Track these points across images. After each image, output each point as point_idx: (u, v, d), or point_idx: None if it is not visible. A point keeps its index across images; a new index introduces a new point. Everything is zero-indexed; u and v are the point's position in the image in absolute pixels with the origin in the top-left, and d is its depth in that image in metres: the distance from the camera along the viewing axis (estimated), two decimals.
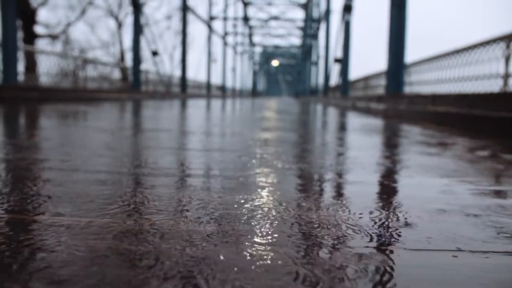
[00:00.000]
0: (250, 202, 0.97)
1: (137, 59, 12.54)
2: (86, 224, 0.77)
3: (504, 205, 1.01)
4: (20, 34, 15.10)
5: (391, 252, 0.68)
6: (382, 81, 7.54)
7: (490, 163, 1.73)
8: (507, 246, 0.73)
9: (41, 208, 0.87)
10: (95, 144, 2.03)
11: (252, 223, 0.81)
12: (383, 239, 0.74)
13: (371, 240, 0.73)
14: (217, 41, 29.49)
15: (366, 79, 10.03)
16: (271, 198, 1.02)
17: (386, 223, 0.84)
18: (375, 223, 0.84)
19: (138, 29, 12.47)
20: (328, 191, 1.15)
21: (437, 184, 1.25)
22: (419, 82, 6.09)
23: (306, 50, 28.92)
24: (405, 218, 0.87)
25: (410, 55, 6.29)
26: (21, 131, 2.79)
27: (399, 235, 0.76)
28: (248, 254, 0.65)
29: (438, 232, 0.79)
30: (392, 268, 0.61)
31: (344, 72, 11.52)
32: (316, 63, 22.22)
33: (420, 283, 0.57)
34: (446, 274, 0.61)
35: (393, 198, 1.08)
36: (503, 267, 0.64)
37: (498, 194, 1.16)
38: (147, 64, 15.36)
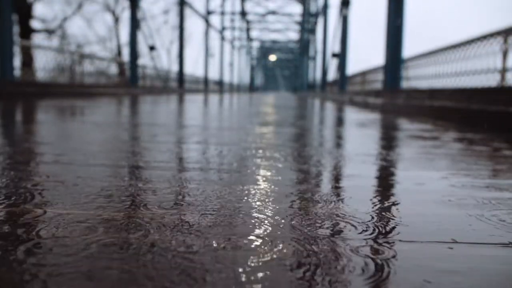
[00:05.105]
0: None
1: (134, 54, 12.49)
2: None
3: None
4: (16, 29, 15.01)
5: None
6: (380, 76, 7.54)
7: (484, 155, 1.74)
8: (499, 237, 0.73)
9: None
10: (92, 138, 2.02)
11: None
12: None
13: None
14: (214, 36, 29.38)
15: (364, 74, 10.02)
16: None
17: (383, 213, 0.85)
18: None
19: (135, 24, 12.41)
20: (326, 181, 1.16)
21: (433, 177, 1.26)
22: (417, 77, 6.09)
23: (304, 44, 28.85)
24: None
25: (407, 53, 6.28)
26: (18, 126, 2.78)
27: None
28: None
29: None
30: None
31: (341, 66, 11.51)
32: (314, 58, 22.19)
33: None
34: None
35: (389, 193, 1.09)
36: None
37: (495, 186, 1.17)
38: (144, 59, 15.30)
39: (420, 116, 4.38)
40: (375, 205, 0.92)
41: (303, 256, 0.62)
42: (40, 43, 16.44)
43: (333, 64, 12.91)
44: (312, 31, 23.35)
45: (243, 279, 0.54)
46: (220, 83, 27.44)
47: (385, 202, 0.96)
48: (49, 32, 19.51)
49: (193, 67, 36.20)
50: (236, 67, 37.63)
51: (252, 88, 48.74)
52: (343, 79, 11.48)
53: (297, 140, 2.25)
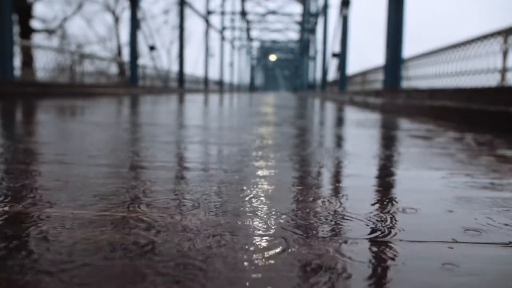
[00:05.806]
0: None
1: (134, 54, 12.49)
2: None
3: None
4: (16, 29, 15.01)
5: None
6: (380, 76, 7.55)
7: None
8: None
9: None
10: (92, 138, 2.02)
11: None
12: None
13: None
14: (214, 36, 29.42)
15: (364, 73, 10.03)
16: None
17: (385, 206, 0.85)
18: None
19: (135, 24, 12.41)
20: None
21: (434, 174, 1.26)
22: (417, 77, 6.10)
23: (304, 44, 28.84)
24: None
25: (407, 53, 6.28)
26: (18, 126, 2.78)
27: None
28: None
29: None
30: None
31: (342, 66, 11.51)
32: (314, 58, 22.18)
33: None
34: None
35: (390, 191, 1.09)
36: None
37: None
38: (144, 59, 15.32)
39: (420, 116, 4.38)
40: (375, 205, 0.93)
41: (304, 256, 0.62)
42: (40, 43, 16.44)
43: (333, 64, 12.92)
44: (312, 31, 23.35)
45: (244, 279, 0.54)
46: (220, 83, 27.44)
47: (385, 202, 0.96)
48: (49, 32, 19.52)
49: (193, 67, 36.22)
50: (236, 67, 37.66)
51: (252, 88, 48.74)
52: (343, 79, 11.49)
53: (297, 140, 2.25)
